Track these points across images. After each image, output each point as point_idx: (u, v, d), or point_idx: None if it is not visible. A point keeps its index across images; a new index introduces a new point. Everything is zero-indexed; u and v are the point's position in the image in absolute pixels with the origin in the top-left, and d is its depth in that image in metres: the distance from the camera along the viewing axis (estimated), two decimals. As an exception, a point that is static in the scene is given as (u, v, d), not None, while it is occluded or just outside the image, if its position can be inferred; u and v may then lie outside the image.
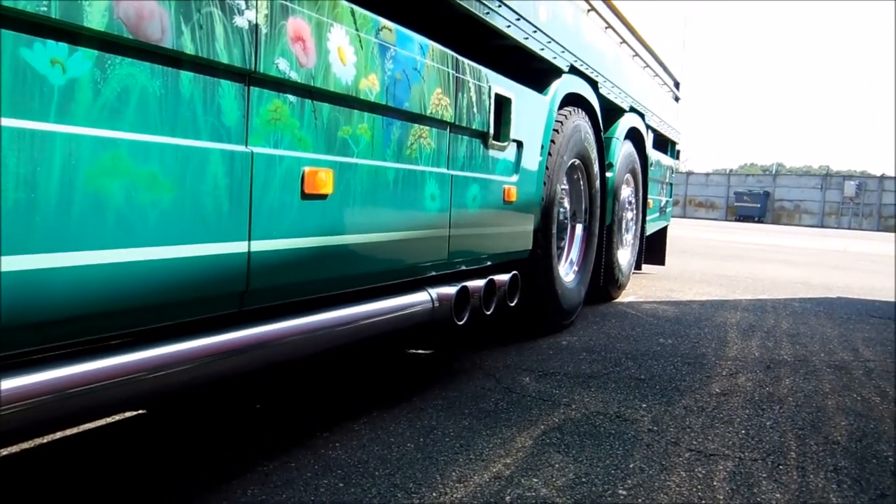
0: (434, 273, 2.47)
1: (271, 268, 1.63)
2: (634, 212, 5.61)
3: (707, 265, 8.77)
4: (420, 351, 3.37)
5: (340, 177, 1.83)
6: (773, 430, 2.43)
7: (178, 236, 1.39)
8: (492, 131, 2.69)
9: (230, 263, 1.52)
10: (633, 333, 4.01)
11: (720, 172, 42.53)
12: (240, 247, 1.53)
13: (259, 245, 1.58)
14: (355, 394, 2.64)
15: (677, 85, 7.42)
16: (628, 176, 5.30)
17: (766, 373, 3.25)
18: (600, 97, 4.22)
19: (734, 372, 3.24)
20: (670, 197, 7.61)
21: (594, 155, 4.09)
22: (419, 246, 2.28)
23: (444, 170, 2.39)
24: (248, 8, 1.51)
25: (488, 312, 2.77)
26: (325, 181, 1.75)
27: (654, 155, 6.24)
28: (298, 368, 2.89)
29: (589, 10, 3.84)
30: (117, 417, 2.26)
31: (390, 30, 2.00)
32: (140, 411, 2.32)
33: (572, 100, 3.76)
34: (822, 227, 34.42)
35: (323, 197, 1.76)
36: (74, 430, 2.14)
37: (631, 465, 2.07)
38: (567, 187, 3.99)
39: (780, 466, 2.12)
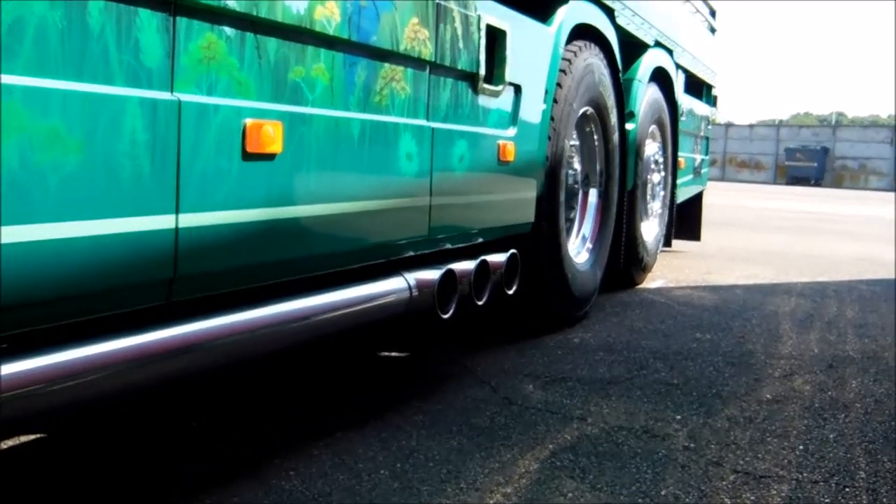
0: (412, 253, 2.47)
1: (205, 248, 1.62)
2: (662, 174, 5.64)
3: (753, 240, 8.87)
4: (395, 353, 3.38)
5: (292, 131, 1.82)
6: (837, 445, 2.48)
7: (84, 209, 1.38)
8: (482, 72, 2.69)
9: (152, 243, 1.51)
10: (663, 327, 4.05)
11: (767, 124, 42.90)
12: (165, 221, 1.52)
13: (189, 219, 1.57)
14: (314, 408, 2.64)
15: (713, 13, 7.45)
16: (654, 128, 5.32)
17: (828, 373, 3.30)
18: (618, 28, 4.23)
19: (789, 373, 3.29)
20: (706, 154, 7.66)
21: (611, 102, 4.10)
22: (392, 219, 2.28)
23: (422, 121, 2.38)
24: (170, -87, 1.49)
25: (480, 303, 2.78)
26: (272, 137, 1.74)
27: (685, 101, 6.27)
28: (242, 376, 2.89)
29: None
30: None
31: (353, -59, 1.98)
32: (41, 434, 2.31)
33: (583, 32, 3.76)
34: (895, 190, 34.84)
35: (270, 157, 1.76)
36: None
37: (663, 493, 2.10)
38: (578, 143, 4.00)
39: (847, 489, 2.16)
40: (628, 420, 2.62)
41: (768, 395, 2.96)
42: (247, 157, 1.69)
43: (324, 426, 2.45)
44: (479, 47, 2.64)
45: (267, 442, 2.32)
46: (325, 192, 1.96)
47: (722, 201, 16.55)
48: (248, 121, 1.69)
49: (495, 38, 2.79)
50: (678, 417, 2.67)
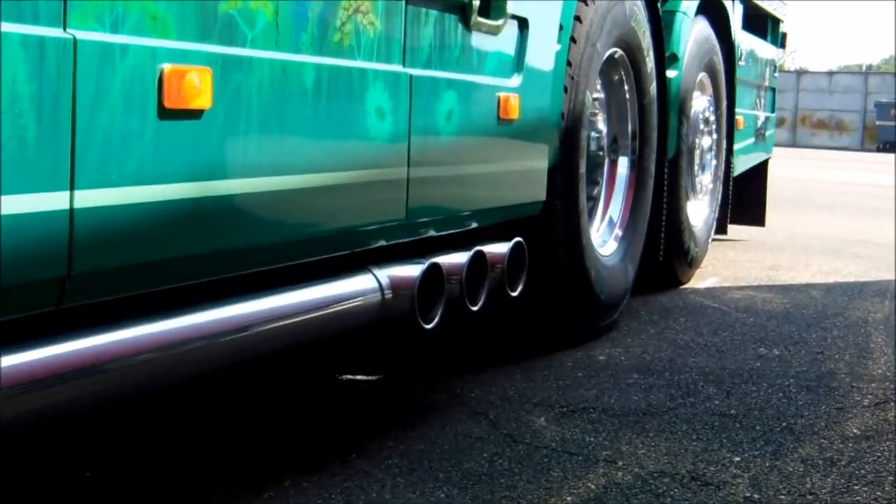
0: (384, 243, 2.46)
1: (108, 237, 1.62)
2: (714, 137, 5.65)
3: (833, 225, 8.91)
4: (361, 377, 3.37)
5: (224, 81, 1.81)
6: (948, 495, 2.49)
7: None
8: (476, 1, 2.69)
9: (39, 230, 1.50)
10: (716, 340, 4.06)
11: (851, 70, 43.02)
12: (55, 201, 1.52)
13: (87, 198, 1.56)
14: (254, 450, 2.64)
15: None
16: (703, 76, 5.33)
17: (936, 401, 3.32)
18: (656, -58, 4.24)
19: (881, 401, 3.30)
20: (772, 111, 7.68)
21: (647, 41, 4.11)
22: (358, 197, 2.27)
23: (397, 67, 2.37)
24: None
25: (475, 308, 2.77)
26: (198, 88, 1.73)
27: (744, 41, 6.28)
28: (155, 406, 2.88)
29: None
30: None
31: None
32: None
33: (610, -53, 3.76)
34: None
35: (195, 114, 1.75)
36: None
37: (718, 558, 2.11)
38: (603, 96, 4.00)
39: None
40: (671, 463, 2.63)
41: (855, 430, 2.98)
42: (164, 114, 1.68)
43: (267, 474, 2.45)
44: (472, -32, 2.65)
45: (188, 499, 2.31)
46: (268, 161, 1.95)
47: (793, 174, 16.61)
48: (166, 66, 1.68)
49: (493, -45, 2.79)
50: (737, 459, 2.68)
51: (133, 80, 1.63)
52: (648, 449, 2.73)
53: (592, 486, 2.45)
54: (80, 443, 2.63)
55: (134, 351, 1.78)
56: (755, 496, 2.44)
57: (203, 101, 1.75)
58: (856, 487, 2.52)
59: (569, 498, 2.38)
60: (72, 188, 1.54)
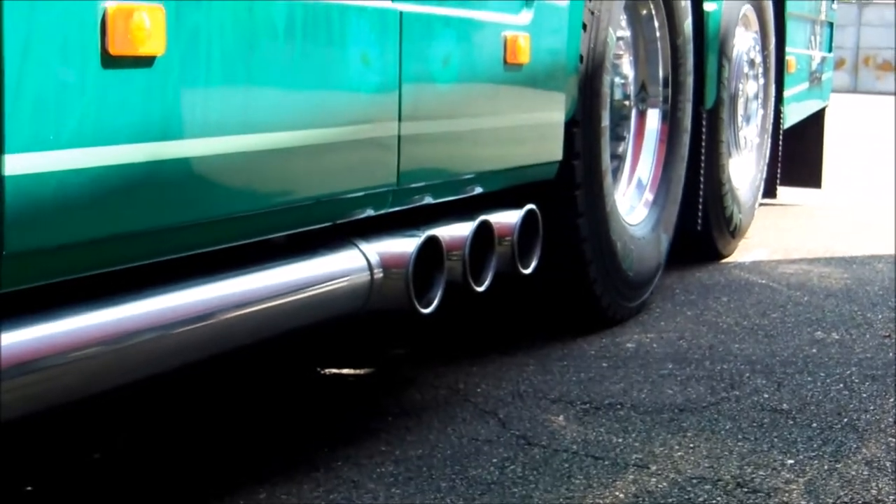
0: (372, 213, 2.46)
1: (47, 210, 1.61)
2: (761, 82, 5.64)
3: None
4: (349, 371, 3.38)
5: (179, 21, 1.80)
6: None
7: None
8: (478, -76, 2.69)
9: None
10: (765, 323, 4.06)
11: (924, 1, 42.79)
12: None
13: (18, 164, 1.56)
14: (226, 456, 2.65)
15: None
16: (747, 9, 5.31)
17: None
18: None
19: (962, 391, 3.31)
20: (829, 51, 7.65)
21: (681, -31, 4.09)
22: (341, 159, 2.27)
23: (384, 2, 2.37)
24: None
25: (480, 289, 2.77)
26: (148, 30, 1.72)
27: (797, -33, 6.26)
28: (110, 407, 2.89)
29: None
30: None
31: None
32: None
33: None
34: None
35: (146, 62, 1.74)
36: None
37: (769, 578, 2.12)
38: (630, 35, 3.98)
39: None
40: (713, 468, 2.63)
41: (930, 426, 2.99)
42: (109, 62, 1.68)
43: (239, 486, 2.45)
44: None
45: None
46: (233, 117, 1.95)
47: (853, 127, 16.58)
48: (110, 5, 1.67)
49: None
50: (790, 462, 2.69)
51: (71, 21, 1.62)
52: (686, 451, 2.74)
53: (621, 496, 2.46)
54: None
55: (72, 347, 1.77)
56: (812, 505, 2.45)
57: (155, 45, 1.74)
58: (931, 494, 2.53)
59: (593, 510, 2.39)
60: (0, 152, 1.53)
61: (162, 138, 1.80)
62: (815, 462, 2.69)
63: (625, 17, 3.87)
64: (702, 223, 4.81)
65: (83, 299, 1.80)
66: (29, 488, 2.45)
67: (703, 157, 4.70)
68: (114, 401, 2.47)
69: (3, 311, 1.69)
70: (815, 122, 7.24)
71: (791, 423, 2.97)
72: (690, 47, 4.25)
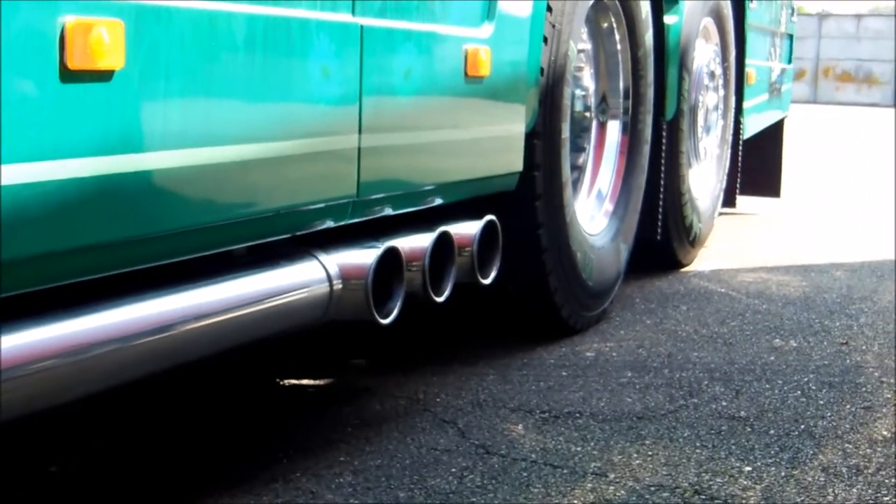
0: (331, 224, 2.46)
1: (6, 221, 1.61)
2: (721, 93, 5.66)
3: (860, 196, 8.94)
4: (306, 381, 3.37)
5: (139, 36, 1.80)
6: None
7: None
8: (438, -62, 2.69)
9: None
10: (724, 331, 4.08)
11: (882, 13, 43.08)
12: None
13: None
14: (177, 471, 2.64)
15: None
16: (707, 22, 5.34)
17: (977, 398, 3.35)
18: None
19: (916, 399, 3.33)
20: (789, 62, 7.69)
21: (640, -18, 4.11)
22: (301, 170, 2.27)
23: (346, 16, 2.37)
24: None
25: (440, 299, 2.77)
26: (107, 45, 1.72)
27: (755, -20, 6.29)
28: (60, 417, 2.88)
29: None
30: None
31: None
32: None
33: None
34: None
35: (105, 76, 1.74)
36: None
37: (724, 585, 2.13)
38: (591, 47, 4.00)
39: None
40: (671, 475, 2.64)
41: (885, 433, 3.00)
42: (67, 76, 1.67)
43: (197, 496, 2.44)
44: None
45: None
46: (192, 130, 1.94)
47: (814, 136, 16.66)
48: (69, 19, 1.66)
49: None
50: (748, 469, 2.70)
51: (29, 36, 1.61)
52: (644, 459, 2.75)
53: (579, 504, 2.47)
54: None
55: (26, 359, 1.76)
56: (768, 512, 2.47)
57: (114, 60, 1.74)
58: (885, 499, 2.54)
59: (551, 518, 2.39)
60: (-41, 166, 1.53)
61: (121, 151, 1.79)
62: (773, 469, 2.71)
63: (586, 29, 3.89)
64: (661, 233, 4.83)
65: (36, 312, 1.79)
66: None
67: (663, 168, 4.71)
68: (66, 415, 2.45)
69: None
70: (774, 133, 7.27)
71: (749, 430, 2.99)
72: (651, 59, 4.27)
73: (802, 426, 3.03)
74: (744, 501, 2.50)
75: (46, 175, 1.67)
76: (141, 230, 1.89)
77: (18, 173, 1.62)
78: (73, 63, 1.68)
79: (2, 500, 2.45)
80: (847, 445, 2.89)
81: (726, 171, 5.92)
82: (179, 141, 1.92)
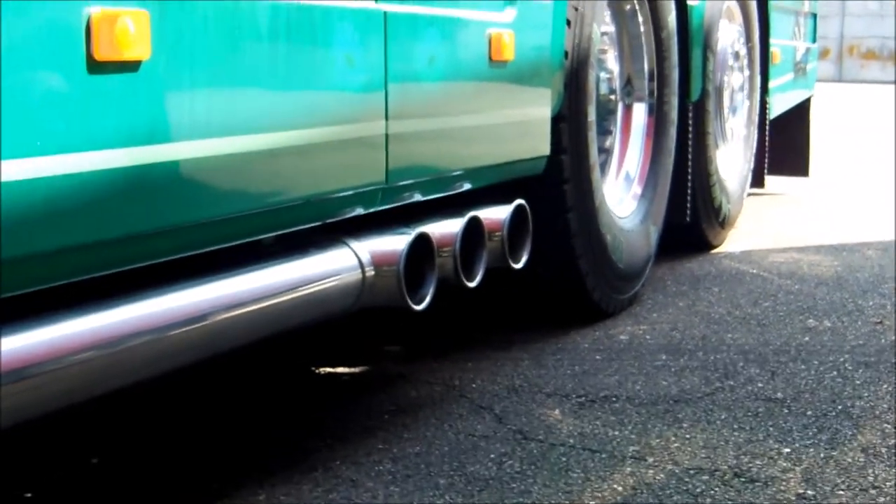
0: (361, 211, 2.46)
1: (37, 215, 1.61)
2: (746, 73, 5.64)
3: (890, 173, 8.89)
4: (342, 369, 3.38)
5: (164, 26, 1.80)
6: None
7: None
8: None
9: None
10: (757, 312, 4.06)
11: (905, -10, 42.83)
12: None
13: (9, 169, 1.55)
14: (218, 460, 2.65)
15: None
16: (731, 2, 5.31)
17: None
18: None
19: (955, 375, 3.31)
20: (813, 41, 7.65)
21: (664, -38, 4.09)
22: (329, 158, 2.27)
23: (369, 3, 2.37)
24: None
25: (472, 284, 2.77)
26: (133, 35, 1.72)
27: (778, -42, 6.26)
28: (102, 410, 2.89)
29: None
30: None
31: None
32: None
33: None
34: None
35: (132, 67, 1.74)
36: None
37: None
38: (614, 30, 3.98)
39: None
40: (710, 458, 2.63)
41: (924, 410, 2.99)
42: (94, 68, 1.67)
43: (237, 486, 2.45)
44: None
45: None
46: (220, 120, 1.94)
47: (840, 115, 16.60)
48: (94, 10, 1.66)
49: None
50: (786, 451, 2.69)
51: (56, 27, 1.62)
52: (682, 442, 2.74)
53: (619, 488, 2.46)
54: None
55: (67, 351, 1.76)
56: (809, 492, 2.44)
57: (140, 50, 1.74)
58: (927, 477, 2.53)
59: (592, 502, 2.38)
60: (-10, 159, 1.53)
61: (149, 142, 1.80)
62: (812, 450, 2.69)
63: (609, 12, 3.87)
64: (691, 214, 4.81)
65: (74, 304, 1.80)
66: (28, 495, 2.45)
67: (690, 150, 4.70)
68: (106, 405, 2.46)
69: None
70: (800, 112, 7.24)
71: (786, 411, 2.97)
72: (675, 41, 4.25)
73: (840, 407, 3.01)
74: (784, 483, 2.49)
75: (76, 167, 1.67)
76: (171, 221, 1.89)
77: (51, 166, 1.62)
78: (100, 54, 1.68)
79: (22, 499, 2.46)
80: (886, 426, 2.87)
81: (754, 151, 5.90)
82: (206, 130, 1.92)
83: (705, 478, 2.51)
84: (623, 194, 4.08)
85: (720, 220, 5.20)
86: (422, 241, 2.54)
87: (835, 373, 3.32)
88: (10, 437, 1.91)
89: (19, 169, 1.57)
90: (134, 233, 1.82)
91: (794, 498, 2.41)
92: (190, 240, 1.98)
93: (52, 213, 1.64)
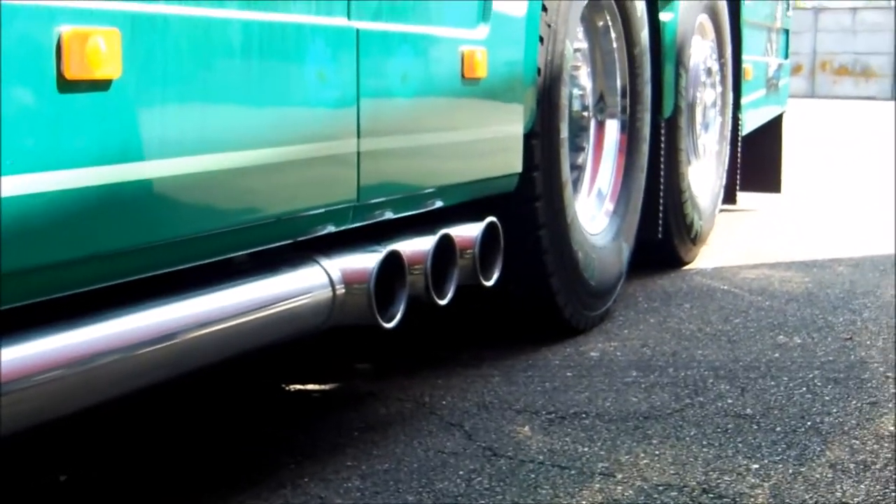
0: (332, 229, 2.46)
1: (2, 231, 1.61)
2: (718, 90, 5.67)
3: (860, 190, 8.95)
4: (311, 386, 3.38)
5: (135, 44, 1.80)
6: None
7: None
8: (432, -60, 2.69)
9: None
10: (727, 329, 4.08)
11: (879, 6, 43.04)
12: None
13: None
14: (182, 477, 2.64)
15: None
16: (703, 18, 5.34)
17: (984, 390, 3.35)
18: None
19: (922, 392, 3.33)
20: (786, 57, 7.70)
21: (636, -20, 4.11)
22: (300, 175, 2.27)
23: (341, 20, 2.37)
24: None
25: (443, 301, 2.78)
26: (104, 54, 1.72)
27: (751, -25, 6.29)
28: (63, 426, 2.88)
29: None
30: None
31: None
32: None
33: None
34: None
35: (102, 85, 1.74)
36: None
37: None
38: (587, 46, 3.99)
39: None
40: (679, 474, 2.64)
41: (891, 428, 3.00)
42: (65, 86, 1.67)
43: (205, 498, 2.45)
44: None
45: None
46: (192, 138, 1.95)
47: (812, 130, 16.67)
48: (65, 29, 1.67)
49: None
50: (755, 467, 2.70)
51: (26, 45, 1.62)
52: (652, 458, 2.75)
53: (587, 505, 2.47)
54: None
55: (33, 371, 1.76)
56: (777, 509, 2.46)
57: (111, 69, 1.74)
58: (893, 494, 2.54)
59: (560, 520, 2.39)
60: (-43, 178, 1.53)
61: (120, 161, 1.79)
62: (780, 466, 2.70)
63: (581, 28, 3.89)
64: (663, 231, 4.83)
65: (38, 324, 1.80)
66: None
67: (662, 166, 4.72)
68: (76, 422, 2.45)
69: None
70: (773, 128, 7.27)
71: (755, 427, 2.98)
72: (647, 58, 4.27)
73: (809, 423, 3.03)
74: (752, 499, 2.50)
75: (46, 186, 1.67)
76: (142, 239, 1.89)
77: (18, 184, 1.62)
78: (71, 73, 1.68)
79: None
80: (854, 441, 2.89)
81: (726, 167, 5.92)
82: (178, 149, 1.92)
83: (674, 494, 2.52)
84: (595, 211, 4.09)
85: (692, 237, 5.22)
86: (393, 259, 2.54)
87: (804, 389, 3.33)
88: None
89: (-7, 187, 1.57)
90: (105, 251, 1.82)
91: (761, 515, 2.43)
92: (161, 258, 1.97)
93: (21, 231, 1.64)
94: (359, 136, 2.43)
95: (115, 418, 2.99)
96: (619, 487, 2.56)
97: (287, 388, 3.35)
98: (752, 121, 6.52)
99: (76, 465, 2.76)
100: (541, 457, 2.74)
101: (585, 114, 4.03)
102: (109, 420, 2.97)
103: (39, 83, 1.64)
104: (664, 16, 4.61)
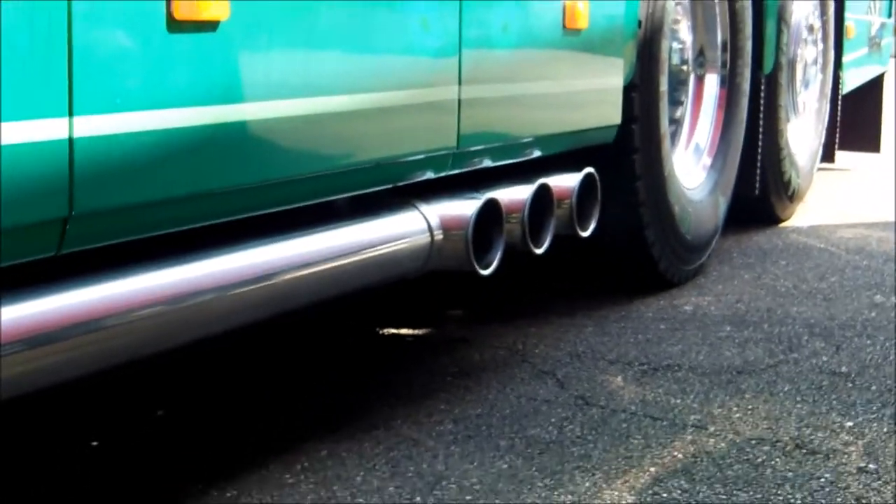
0: (432, 175, 2.47)
1: (113, 170, 1.62)
2: (819, 47, 5.57)
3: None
4: (405, 330, 3.39)
5: (243, -14, 1.81)
6: None
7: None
8: None
9: (35, 163, 1.51)
10: (823, 287, 4.03)
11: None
12: (53, 129, 1.52)
13: (88, 126, 1.57)
14: (284, 414, 2.68)
15: None
16: (807, -25, 5.25)
17: None
18: None
19: None
20: (889, 16, 7.54)
21: (740, -67, 4.05)
22: (402, 121, 2.28)
23: (445, -32, 2.37)
24: None
25: (539, 251, 2.77)
26: (212, -5, 1.73)
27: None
28: (170, 366, 2.92)
29: None
30: None
31: None
32: None
33: None
34: None
35: (210, 27, 1.75)
36: None
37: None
38: (687, 1, 3.94)
39: None
40: (772, 429, 2.62)
41: None
42: (174, 27, 1.69)
43: (302, 441, 2.47)
44: None
45: (210, 463, 2.35)
46: (296, 81, 1.95)
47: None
48: (175, -30, 1.68)
49: None
50: (849, 424, 2.67)
51: (137, -14, 1.63)
52: (745, 412, 2.73)
53: (679, 455, 2.45)
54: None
55: (139, 304, 1.78)
56: (870, 466, 2.42)
57: (219, 10, 1.75)
58: None
59: (651, 469, 2.38)
60: (70, 114, 1.54)
61: (225, 101, 1.81)
62: (875, 424, 2.67)
63: (683, -19, 3.85)
64: (760, 187, 4.78)
65: (135, 262, 1.82)
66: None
67: (761, 122, 4.66)
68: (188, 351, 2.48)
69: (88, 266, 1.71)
70: (873, 87, 7.14)
71: (850, 385, 2.95)
72: (749, 12, 4.21)
73: (905, 382, 2.99)
74: (846, 456, 2.47)
75: (155, 124, 1.68)
76: (244, 179, 1.90)
77: (128, 122, 1.64)
78: (180, 13, 1.69)
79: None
80: (952, 401, 2.85)
81: (825, 125, 5.83)
82: (283, 91, 1.93)
83: (766, 448, 2.50)
84: (692, 165, 4.05)
85: (789, 194, 5.16)
86: (491, 207, 2.54)
87: (900, 349, 3.29)
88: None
89: (97, 125, 1.59)
90: (207, 190, 1.84)
91: (854, 471, 2.39)
92: (262, 198, 1.99)
93: (127, 169, 1.66)
94: (460, 84, 2.42)
95: (222, 354, 3.03)
96: (712, 440, 2.55)
97: (382, 333, 3.37)
98: (852, 79, 6.41)
99: (178, 403, 2.81)
100: (633, 407, 2.74)
101: (685, 68, 3.99)
102: (212, 357, 3.01)
103: (150, 24, 1.66)
104: (768, -31, 4.54)
